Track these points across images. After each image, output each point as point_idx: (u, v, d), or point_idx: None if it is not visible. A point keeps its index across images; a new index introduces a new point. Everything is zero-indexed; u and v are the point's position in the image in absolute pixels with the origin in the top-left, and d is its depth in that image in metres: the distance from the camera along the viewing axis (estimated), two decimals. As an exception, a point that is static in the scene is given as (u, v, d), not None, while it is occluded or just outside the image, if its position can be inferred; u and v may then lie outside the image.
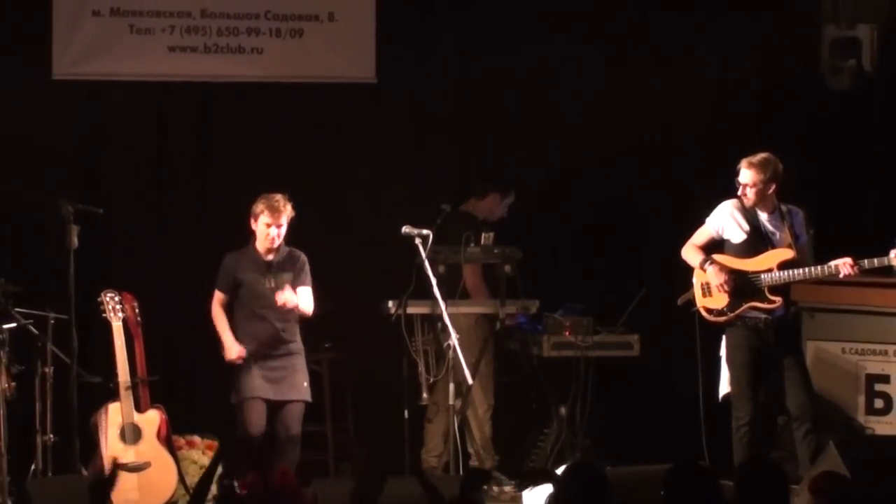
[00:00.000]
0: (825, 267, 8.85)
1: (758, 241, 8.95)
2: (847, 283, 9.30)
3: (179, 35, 10.17)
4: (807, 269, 8.86)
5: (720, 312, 8.99)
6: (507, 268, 9.70)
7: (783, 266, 8.89)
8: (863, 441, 9.38)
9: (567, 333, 9.89)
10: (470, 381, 9.00)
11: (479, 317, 9.78)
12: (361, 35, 10.38)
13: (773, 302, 8.90)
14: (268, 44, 10.28)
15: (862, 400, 9.87)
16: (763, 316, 8.90)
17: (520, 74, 10.59)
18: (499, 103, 10.66)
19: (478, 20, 10.62)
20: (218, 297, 9.12)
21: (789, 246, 8.93)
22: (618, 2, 10.55)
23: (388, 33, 10.43)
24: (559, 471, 6.50)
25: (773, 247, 8.93)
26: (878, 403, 9.83)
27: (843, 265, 8.79)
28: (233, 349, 8.98)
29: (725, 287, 8.89)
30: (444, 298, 9.01)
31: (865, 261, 8.79)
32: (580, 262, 10.44)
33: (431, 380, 9.49)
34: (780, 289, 8.91)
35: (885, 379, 9.82)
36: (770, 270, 8.90)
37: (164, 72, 10.21)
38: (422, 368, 9.52)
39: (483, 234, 9.77)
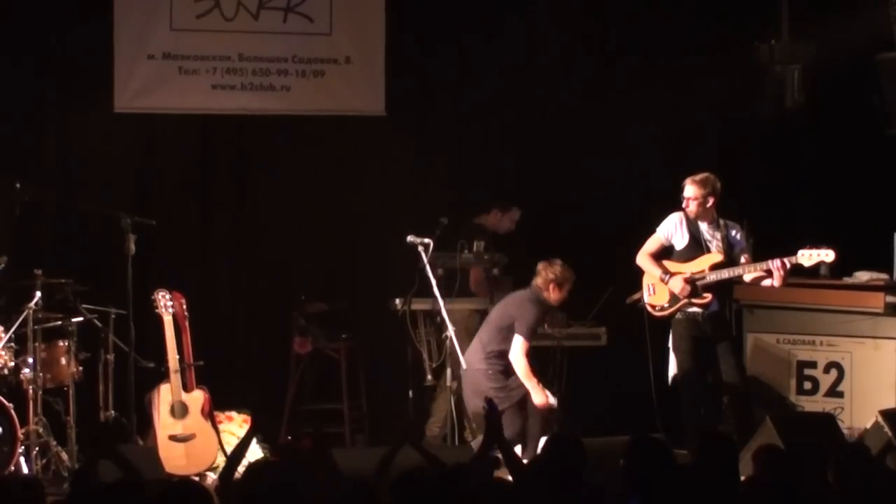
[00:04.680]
0: (744, 267, 8.92)
1: (696, 248, 8.98)
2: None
3: (220, 75, 10.16)
4: (731, 269, 8.91)
5: (662, 308, 9.04)
6: (496, 271, 9.76)
7: (714, 268, 8.97)
8: (794, 417, 9.44)
9: (545, 326, 9.87)
10: (464, 365, 8.98)
11: (471, 312, 9.77)
12: (373, 75, 10.36)
13: (705, 298, 8.93)
14: (294, 83, 10.27)
15: (793, 383, 9.85)
16: (700, 311, 8.95)
17: (508, 105, 10.62)
18: (489, 131, 10.71)
19: (471, 61, 10.64)
20: (527, 347, 9.10)
21: (722, 252, 9.03)
22: (595, 45, 10.61)
23: (396, 74, 10.45)
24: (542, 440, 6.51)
25: (710, 252, 9.00)
26: (807, 385, 9.83)
27: (773, 262, 8.86)
28: (541, 398, 9.04)
29: (684, 294, 8.98)
30: (442, 297, 9.00)
31: (786, 259, 8.86)
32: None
33: (433, 364, 9.54)
34: (712, 287, 8.95)
35: (812, 365, 9.82)
36: (702, 272, 8.99)
37: (207, 106, 10.20)
38: (425, 355, 9.51)
39: (475, 242, 9.81)
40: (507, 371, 9.10)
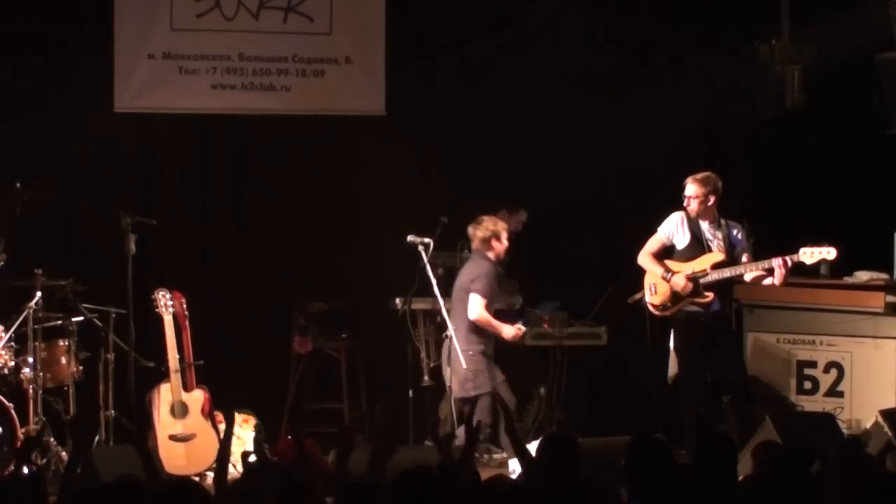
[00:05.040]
0: (747, 265, 8.92)
1: (697, 247, 9.00)
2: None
3: (220, 75, 10.16)
4: (732, 268, 8.93)
5: (664, 308, 9.06)
6: (496, 270, 9.76)
7: (715, 267, 8.97)
8: (794, 416, 9.44)
9: (545, 326, 9.86)
10: (465, 365, 8.94)
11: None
12: (373, 75, 10.36)
13: (706, 297, 8.94)
14: (295, 82, 10.27)
15: (793, 382, 9.85)
16: (701, 310, 8.95)
17: (508, 105, 10.61)
18: (489, 131, 10.71)
19: (471, 61, 10.65)
20: (485, 304, 9.03)
21: (723, 251, 9.02)
22: (595, 45, 10.60)
23: (396, 74, 10.44)
24: (537, 442, 6.48)
25: (711, 251, 9.01)
26: (807, 385, 9.82)
27: (774, 260, 8.86)
28: (511, 330, 9.04)
29: (686, 292, 8.96)
30: (442, 296, 9.00)
31: (788, 257, 8.86)
32: (557, 267, 10.47)
33: (432, 364, 9.53)
34: (713, 286, 8.97)
35: (812, 364, 9.81)
36: (704, 271, 8.99)
37: (207, 106, 10.19)
38: (424, 355, 9.53)
39: (474, 243, 9.82)
40: (487, 352, 9.03)
